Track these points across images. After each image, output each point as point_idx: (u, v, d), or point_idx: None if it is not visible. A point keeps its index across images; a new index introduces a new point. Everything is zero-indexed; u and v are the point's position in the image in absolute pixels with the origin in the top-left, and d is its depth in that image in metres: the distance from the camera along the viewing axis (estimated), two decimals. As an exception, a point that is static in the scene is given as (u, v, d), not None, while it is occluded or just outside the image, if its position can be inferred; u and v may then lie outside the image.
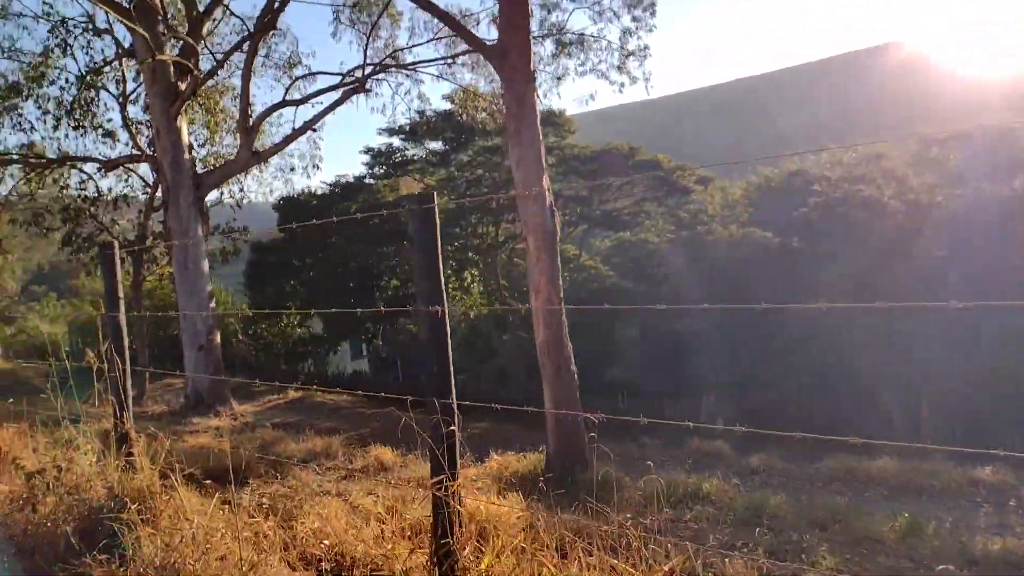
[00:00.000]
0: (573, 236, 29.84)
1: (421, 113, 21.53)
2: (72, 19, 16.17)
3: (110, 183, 18.62)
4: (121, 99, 17.12)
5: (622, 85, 17.43)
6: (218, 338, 16.19)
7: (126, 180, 18.91)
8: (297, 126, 16.72)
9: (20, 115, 17.25)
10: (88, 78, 16.63)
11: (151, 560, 3.02)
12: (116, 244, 3.77)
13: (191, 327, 15.74)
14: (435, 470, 2.38)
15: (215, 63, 15.65)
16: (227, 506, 4.79)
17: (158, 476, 3.58)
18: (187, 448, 11.91)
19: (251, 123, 16.16)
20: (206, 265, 16.16)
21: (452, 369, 2.45)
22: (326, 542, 4.05)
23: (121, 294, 3.76)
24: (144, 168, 18.83)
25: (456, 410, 2.45)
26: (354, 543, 4.08)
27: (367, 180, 28.67)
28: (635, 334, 26.87)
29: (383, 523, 4.55)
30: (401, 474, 9.68)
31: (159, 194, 18.41)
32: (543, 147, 10.67)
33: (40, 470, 3.57)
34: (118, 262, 3.75)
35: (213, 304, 16.29)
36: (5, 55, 15.72)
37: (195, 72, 14.60)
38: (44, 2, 15.84)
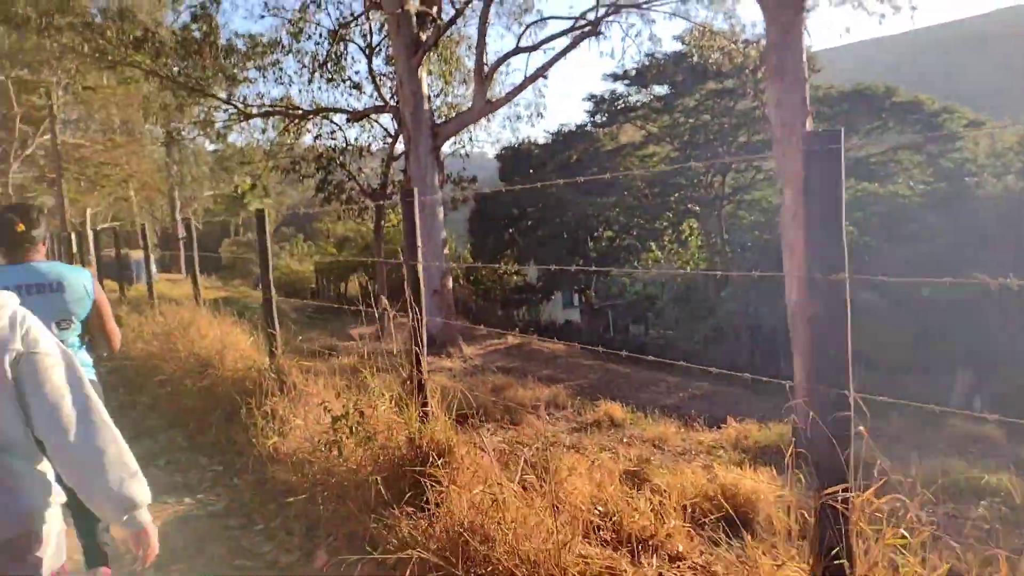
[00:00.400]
0: (807, 188, 27.49)
1: (650, 55, 20.54)
2: (326, -26, 17.23)
3: (355, 133, 19.90)
4: (367, 51, 18.04)
5: (883, 16, 15.34)
6: (450, 283, 16.82)
7: (369, 130, 20.12)
8: (527, 74, 16.66)
9: (281, 70, 18.84)
10: (339, 32, 17.67)
11: (459, 519, 2.88)
12: (415, 191, 3.66)
13: (426, 272, 16.46)
14: (828, 476, 1.90)
15: (455, 11, 15.89)
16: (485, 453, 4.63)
17: (453, 428, 3.46)
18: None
19: (486, 72, 16.30)
20: (441, 213, 16.75)
21: (850, 351, 1.94)
22: (600, 508, 3.77)
23: (420, 241, 3.65)
24: (385, 119, 19.86)
25: (860, 404, 1.94)
26: (629, 512, 3.77)
27: (588, 128, 28.25)
28: (873, 298, 24.33)
29: (661, 495, 4.19)
30: (632, 431, 9.37)
31: (399, 144, 19.39)
32: (808, 85, 9.53)
33: (344, 414, 3.60)
34: (417, 209, 3.64)
35: (446, 251, 16.91)
36: (270, 12, 17.14)
37: (437, 21, 14.90)
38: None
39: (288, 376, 4.85)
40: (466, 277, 33.64)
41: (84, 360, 2.94)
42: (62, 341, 2.57)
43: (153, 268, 20.40)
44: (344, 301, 36.66)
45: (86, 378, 1.67)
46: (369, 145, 19.90)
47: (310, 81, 18.81)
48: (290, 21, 17.26)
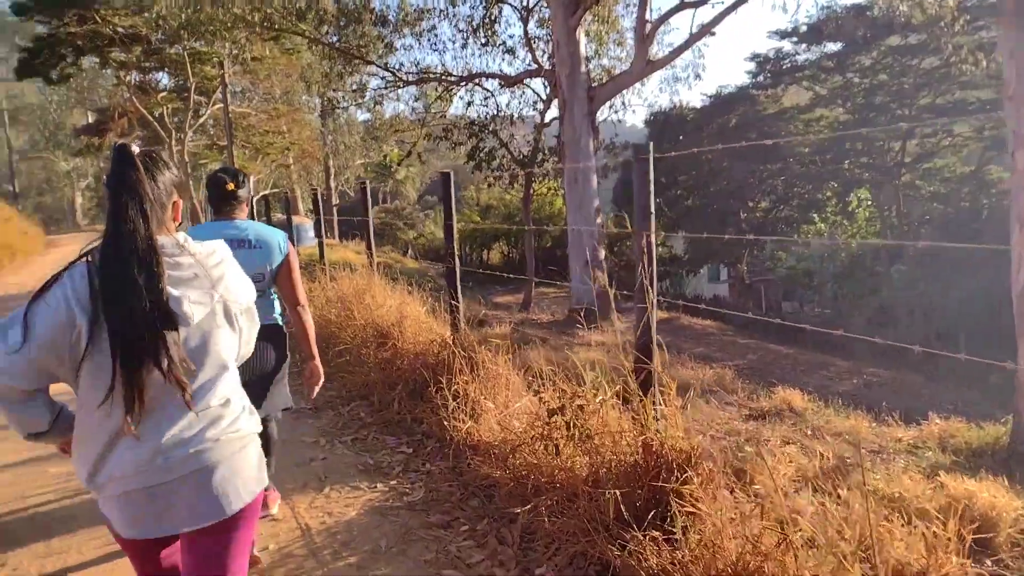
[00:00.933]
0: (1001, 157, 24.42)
1: (826, 8, 18.67)
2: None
3: (507, 99, 19.59)
4: (523, 13, 17.54)
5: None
6: (603, 254, 16.20)
7: (520, 96, 19.69)
8: (692, 31, 15.56)
9: (436, 36, 18.73)
10: (495, -6, 17.28)
11: (728, 558, 2.32)
12: (651, 150, 3.10)
13: (577, 241, 15.93)
14: None
15: (618, -34, 15.05)
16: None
17: (693, 435, 2.90)
18: (581, 361, 12.06)
19: (647, 30, 15.38)
20: (595, 180, 16.09)
21: None
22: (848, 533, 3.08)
23: (653, 209, 3.11)
24: (537, 84, 19.36)
25: None
26: (888, 541, 3.07)
27: (749, 90, 26.41)
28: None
29: (931, 520, 3.45)
30: (816, 423, 8.47)
31: (550, 111, 18.89)
32: (1055, 30, 8.03)
33: (560, 407, 3.13)
34: (651, 170, 3.09)
35: (600, 220, 16.29)
36: (429, -25, 16.98)
37: (601, -24, 14.15)
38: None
39: (477, 353, 4.46)
40: (608, 247, 32.83)
41: (278, 309, 3.25)
42: (259, 292, 2.98)
43: (311, 233, 21.23)
44: (486, 268, 36.90)
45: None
46: (521, 112, 19.49)
47: (463, 46, 18.61)
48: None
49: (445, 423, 4.07)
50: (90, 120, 31.92)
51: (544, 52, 18.08)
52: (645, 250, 3.06)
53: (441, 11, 17.71)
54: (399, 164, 27.15)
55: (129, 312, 1.48)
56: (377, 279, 6.72)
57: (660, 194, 30.92)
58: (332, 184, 39.00)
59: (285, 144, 27.62)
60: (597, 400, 3.22)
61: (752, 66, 25.76)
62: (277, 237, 3.10)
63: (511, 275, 18.35)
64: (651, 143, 3.13)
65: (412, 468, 3.95)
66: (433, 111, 20.59)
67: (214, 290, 1.62)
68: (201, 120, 26.54)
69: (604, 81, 17.72)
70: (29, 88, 43.03)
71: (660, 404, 3.02)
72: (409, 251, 34.85)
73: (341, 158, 40.11)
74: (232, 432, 1.65)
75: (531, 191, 20.13)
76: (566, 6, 14.82)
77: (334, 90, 21.49)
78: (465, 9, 17.86)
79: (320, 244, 9.12)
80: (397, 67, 18.88)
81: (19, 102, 47.58)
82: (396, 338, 5.43)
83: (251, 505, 1.68)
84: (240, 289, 1.71)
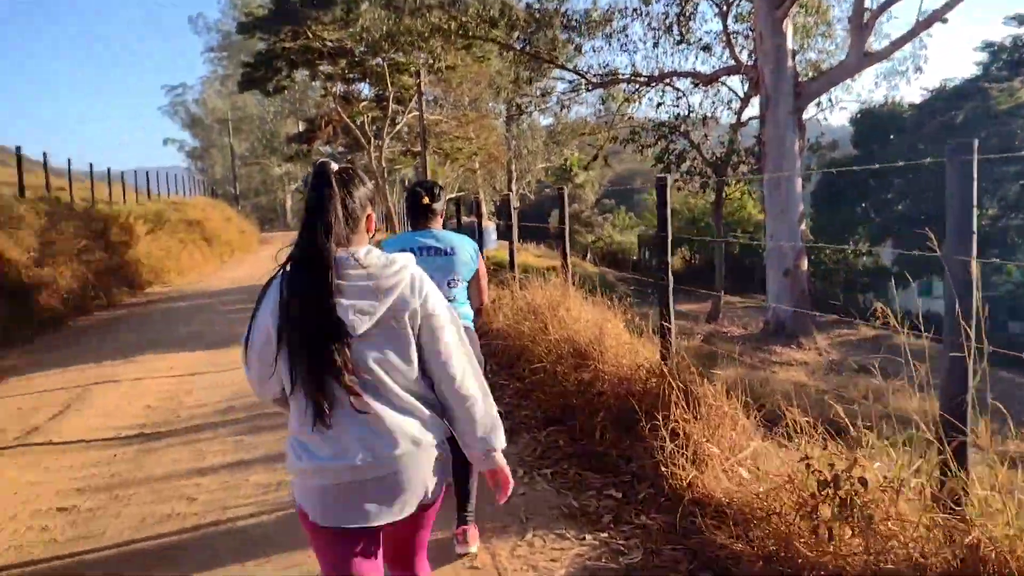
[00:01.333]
0: None
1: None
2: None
3: (699, 99, 18.56)
4: (722, 7, 16.52)
5: None
6: (805, 264, 14.82)
7: (715, 95, 18.60)
8: (919, 17, 13.80)
9: (626, 36, 18.14)
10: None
11: None
12: (975, 148, 2.37)
13: (777, 250, 14.69)
14: None
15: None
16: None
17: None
18: (781, 382, 10.90)
19: (866, 19, 13.88)
20: (799, 184, 14.77)
21: None
22: None
23: (975, 226, 2.38)
24: (733, 82, 18.20)
25: None
26: None
27: (979, 83, 23.27)
28: None
29: None
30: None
31: (747, 111, 17.68)
32: None
33: (834, 478, 2.47)
34: (975, 174, 2.35)
35: (804, 227, 14.93)
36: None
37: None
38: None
39: (697, 385, 3.86)
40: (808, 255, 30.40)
41: (466, 313, 3.33)
42: (452, 297, 3.20)
43: (493, 236, 21.41)
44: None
45: (466, 338, 1.82)
46: (714, 112, 18.40)
47: (655, 45, 17.91)
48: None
49: (662, 468, 3.51)
50: (300, 128, 34.59)
51: (743, 48, 16.94)
52: (975, 280, 2.32)
53: (633, 10, 17.11)
54: (585, 168, 26.79)
55: (300, 321, 1.58)
56: (573, 291, 6.28)
57: (867, 198, 28.21)
58: (513, 187, 39.56)
59: (473, 149, 28.26)
60: (876, 467, 2.53)
61: (984, 56, 22.70)
62: (469, 248, 3.32)
63: (701, 288, 17.29)
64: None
65: (624, 519, 3.43)
66: (620, 113, 20.02)
67: (385, 300, 1.66)
68: (397, 128, 27.75)
69: (810, 76, 16.24)
70: (250, 100, 47.70)
71: (976, 487, 2.28)
72: (588, 255, 34.46)
73: (523, 162, 40.62)
74: (420, 439, 1.70)
75: (723, 196, 18.95)
76: (771, -2, 13.72)
77: (521, 95, 21.54)
78: (659, 7, 17.09)
79: (511, 253, 8.89)
80: (585, 69, 18.53)
81: (242, 113, 52.93)
82: (596, 359, 4.94)
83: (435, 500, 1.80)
84: (416, 296, 1.72)
